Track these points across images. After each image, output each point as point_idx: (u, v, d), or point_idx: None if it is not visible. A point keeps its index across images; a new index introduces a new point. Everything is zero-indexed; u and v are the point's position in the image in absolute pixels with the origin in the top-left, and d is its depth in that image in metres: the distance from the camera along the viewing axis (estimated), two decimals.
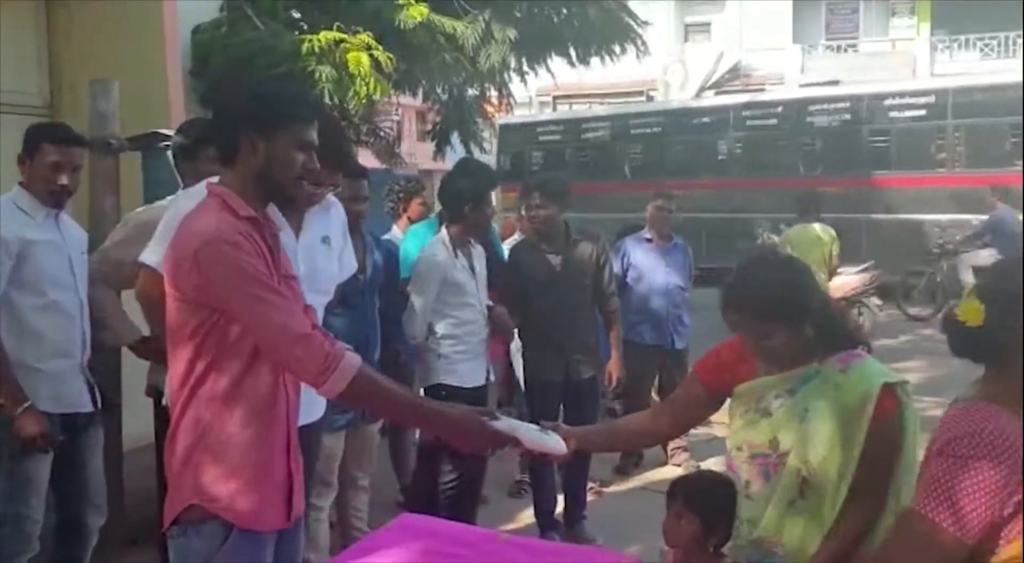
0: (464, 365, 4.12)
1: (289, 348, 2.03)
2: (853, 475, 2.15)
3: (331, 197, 3.22)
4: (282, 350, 2.04)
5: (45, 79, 5.49)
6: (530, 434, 2.34)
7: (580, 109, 24.31)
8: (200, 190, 2.73)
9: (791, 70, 24.72)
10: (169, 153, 3.69)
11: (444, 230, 4.25)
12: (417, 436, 4.63)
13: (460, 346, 4.12)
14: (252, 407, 2.12)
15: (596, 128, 18.29)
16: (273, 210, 2.57)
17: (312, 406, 2.78)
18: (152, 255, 2.83)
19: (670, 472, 5.72)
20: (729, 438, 2.39)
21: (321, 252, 3.02)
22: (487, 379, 4.26)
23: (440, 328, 4.11)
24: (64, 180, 3.24)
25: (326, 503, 3.76)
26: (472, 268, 4.21)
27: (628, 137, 17.52)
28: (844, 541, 2.18)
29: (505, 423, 2.32)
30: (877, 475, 2.18)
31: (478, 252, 4.30)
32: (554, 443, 2.39)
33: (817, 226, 8.51)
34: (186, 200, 2.74)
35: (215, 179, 2.24)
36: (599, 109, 21.03)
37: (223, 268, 2.01)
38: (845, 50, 25.22)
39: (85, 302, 3.38)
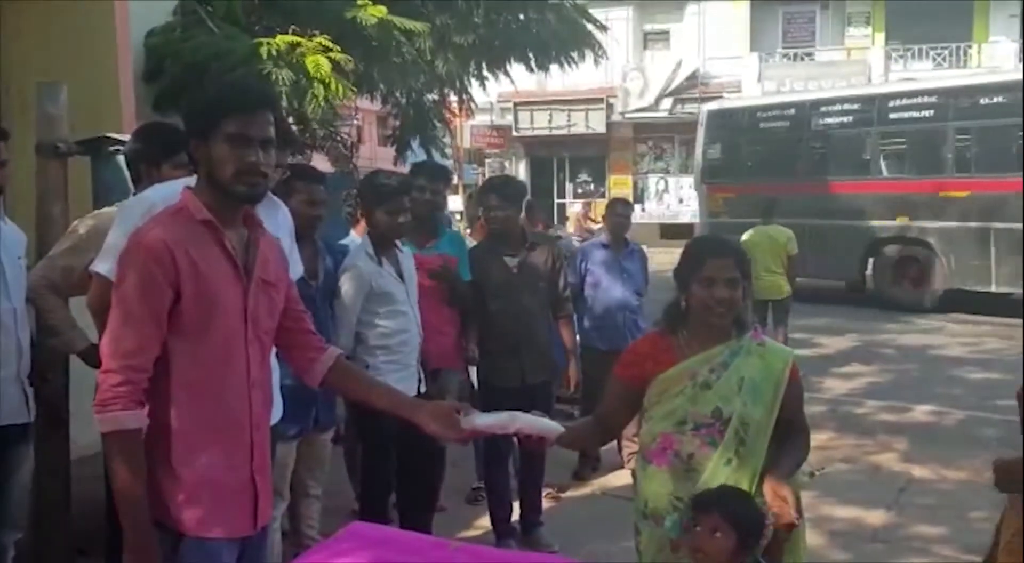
0: (392, 376, 3.85)
1: (103, 361, 2.06)
2: (777, 423, 2.58)
3: (277, 199, 3.20)
4: (103, 358, 2.07)
5: None
6: (525, 417, 2.44)
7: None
8: (144, 196, 2.71)
9: (748, 78, 25.01)
10: (120, 158, 3.64)
11: (366, 238, 4.13)
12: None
13: (391, 356, 3.98)
14: (199, 410, 2.11)
15: (838, 112, 14.77)
16: (270, 213, 2.71)
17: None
18: (103, 263, 2.77)
19: (626, 476, 5.76)
20: (665, 418, 2.61)
21: None
22: (418, 390, 4.04)
23: (370, 338, 3.97)
24: (3, 176, 3.18)
25: (278, 512, 3.72)
26: (400, 274, 4.08)
27: (886, 123, 14.05)
28: (801, 453, 2.67)
29: (490, 415, 2.40)
30: (802, 416, 2.72)
31: (406, 257, 4.16)
32: (549, 424, 2.50)
33: (771, 228, 9.21)
34: (136, 206, 2.71)
35: (179, 182, 2.28)
36: (844, 90, 16.89)
37: (128, 270, 2.07)
38: (802, 58, 25.55)
39: (21, 310, 3.29)
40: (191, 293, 2.07)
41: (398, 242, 4.10)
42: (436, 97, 9.48)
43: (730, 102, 17.88)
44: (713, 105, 17.00)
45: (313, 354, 2.42)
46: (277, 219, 3.09)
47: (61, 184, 3.86)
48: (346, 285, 3.97)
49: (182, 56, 5.50)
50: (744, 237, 8.90)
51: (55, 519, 3.97)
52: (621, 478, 5.71)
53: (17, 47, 5.35)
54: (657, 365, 2.63)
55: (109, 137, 3.99)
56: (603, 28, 8.82)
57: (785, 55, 25.64)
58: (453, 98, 9.82)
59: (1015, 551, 2.55)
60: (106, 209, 3.51)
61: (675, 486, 2.57)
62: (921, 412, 7.45)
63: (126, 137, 3.78)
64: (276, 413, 2.95)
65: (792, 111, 15.42)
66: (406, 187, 4.11)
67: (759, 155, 15.60)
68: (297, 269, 3.25)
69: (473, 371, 4.84)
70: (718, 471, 2.53)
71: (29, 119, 4.22)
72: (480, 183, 28.11)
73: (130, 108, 5.15)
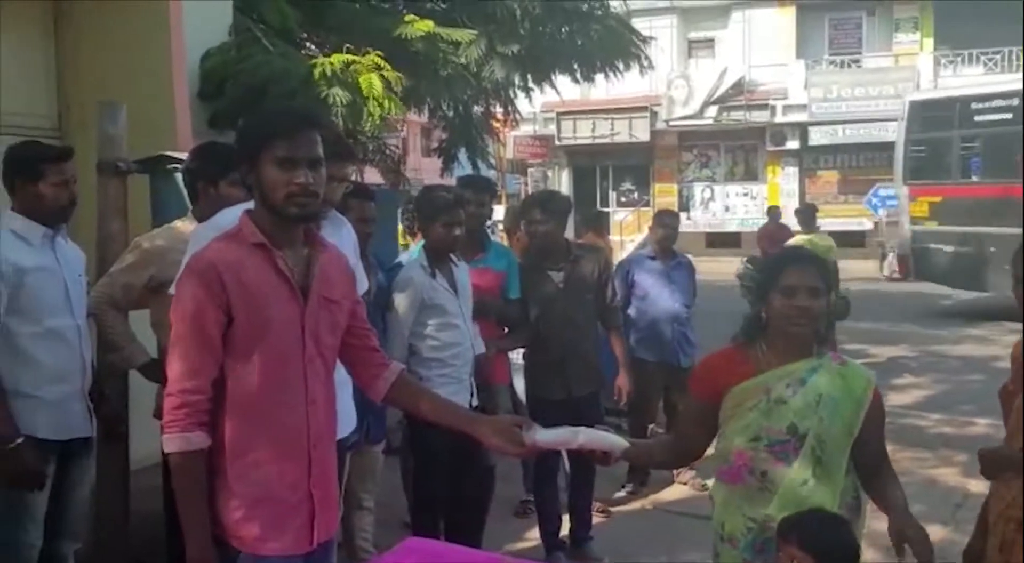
0: (445, 389, 3.83)
1: (168, 382, 2.14)
2: (858, 451, 2.53)
3: (341, 216, 3.25)
4: (168, 380, 2.15)
5: (53, 101, 5.51)
6: (589, 433, 2.45)
7: None
8: (215, 221, 2.77)
9: (795, 85, 24.79)
10: (178, 176, 3.72)
11: (421, 249, 4.16)
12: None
13: (443, 369, 3.99)
14: (254, 427, 2.16)
15: None
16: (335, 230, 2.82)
17: (342, 423, 2.77)
18: None
19: (676, 491, 5.73)
20: (739, 433, 2.53)
21: None
22: (469, 405, 4.02)
23: (423, 351, 4.00)
24: (74, 193, 3.27)
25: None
26: (454, 287, 4.09)
27: None
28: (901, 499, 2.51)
29: (553, 430, 2.40)
30: (881, 447, 2.62)
31: (462, 270, 4.18)
32: (614, 439, 2.51)
33: (814, 236, 9.16)
34: (207, 230, 2.75)
35: (245, 206, 2.33)
36: None
37: (181, 293, 2.15)
38: (848, 65, 25.27)
39: (83, 326, 3.35)
40: (243, 315, 2.12)
41: (453, 256, 4.13)
42: (482, 109, 9.55)
43: (938, 91, 15.91)
44: (918, 95, 15.18)
45: (376, 370, 2.45)
46: (342, 235, 3.13)
47: (121, 202, 3.96)
48: (399, 297, 4.01)
49: (240, 78, 5.59)
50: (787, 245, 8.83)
51: (114, 530, 4.06)
52: (673, 492, 5.68)
53: (76, 68, 5.47)
54: (731, 377, 2.56)
55: (167, 156, 4.08)
56: (647, 40, 8.80)
57: (832, 62, 25.39)
58: (498, 109, 9.89)
59: (998, 533, 2.57)
60: (164, 226, 3.60)
61: (749, 506, 2.51)
62: (983, 425, 7.28)
63: (183, 155, 3.86)
64: (347, 426, 2.99)
65: (1016, 101, 12.71)
66: (461, 201, 4.13)
67: (974, 152, 13.36)
68: (363, 284, 3.26)
69: (520, 385, 4.86)
70: (794, 490, 2.45)
71: (89, 138, 4.34)
72: (522, 193, 28.29)
73: (186, 126, 5.24)
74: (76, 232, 3.48)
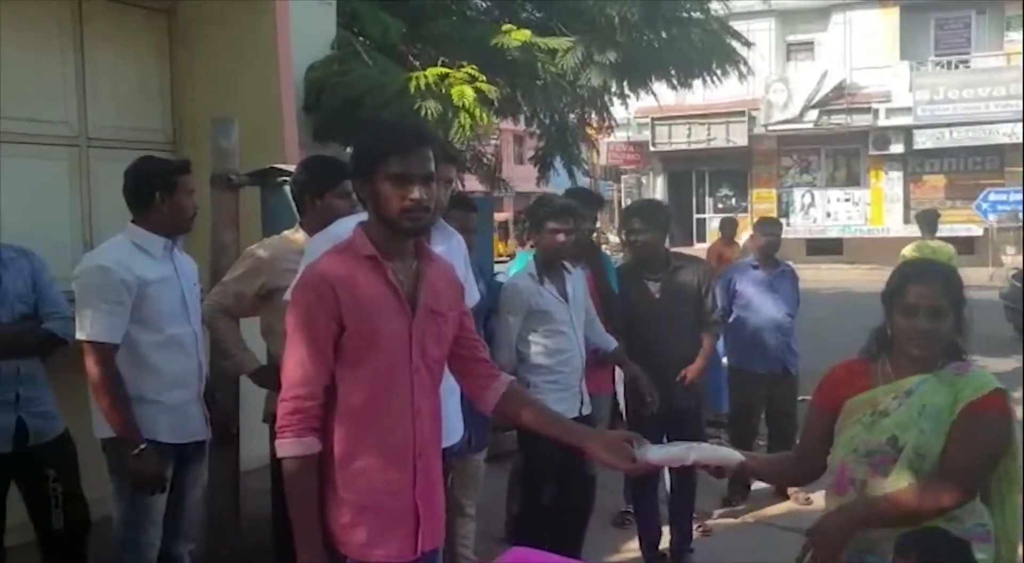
0: (554, 395, 3.93)
1: (283, 392, 2.18)
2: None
3: (450, 227, 3.28)
4: (281, 392, 2.19)
5: (168, 115, 5.73)
6: (702, 449, 2.43)
7: None
8: (330, 231, 2.84)
9: (899, 88, 24.03)
10: (287, 188, 3.82)
11: (531, 257, 4.22)
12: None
13: (552, 375, 4.03)
14: (362, 436, 2.19)
15: None
16: (444, 240, 2.89)
17: (448, 431, 2.79)
18: None
19: (780, 505, 5.59)
20: (844, 446, 2.49)
21: None
22: (579, 413, 4.08)
23: (530, 357, 4.04)
24: (196, 203, 3.40)
25: None
26: (564, 294, 4.12)
27: None
28: (891, 505, 2.33)
29: (665, 447, 2.39)
30: (962, 461, 2.33)
31: (575, 277, 4.22)
32: (728, 453, 2.49)
33: (935, 243, 8.68)
34: (322, 241, 2.81)
35: (358, 218, 2.39)
36: None
37: (295, 305, 2.21)
38: (956, 66, 24.37)
39: (199, 333, 3.48)
40: (353, 326, 2.16)
41: (566, 263, 4.16)
42: (577, 116, 9.53)
43: None
44: None
45: (485, 381, 2.46)
46: (451, 245, 3.17)
47: (233, 213, 4.10)
48: (505, 304, 4.07)
49: (338, 90, 5.72)
50: (904, 252, 8.50)
51: (225, 531, 4.19)
52: (776, 506, 5.55)
53: (190, 84, 5.68)
54: (850, 390, 2.51)
55: (277, 168, 4.20)
56: (748, 44, 8.64)
57: (938, 63, 24.53)
58: (594, 117, 9.86)
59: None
60: (274, 237, 3.70)
61: None
62: None
63: (291, 168, 3.97)
64: (454, 435, 3.03)
65: None
66: (571, 209, 4.16)
67: None
68: (473, 296, 3.28)
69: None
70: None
71: (201, 151, 4.49)
72: (615, 200, 28.12)
73: (293, 139, 5.38)
74: (189, 243, 3.62)
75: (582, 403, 4.13)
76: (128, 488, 3.26)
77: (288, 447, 2.14)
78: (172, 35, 5.71)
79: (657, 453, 2.34)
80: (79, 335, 3.19)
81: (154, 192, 3.33)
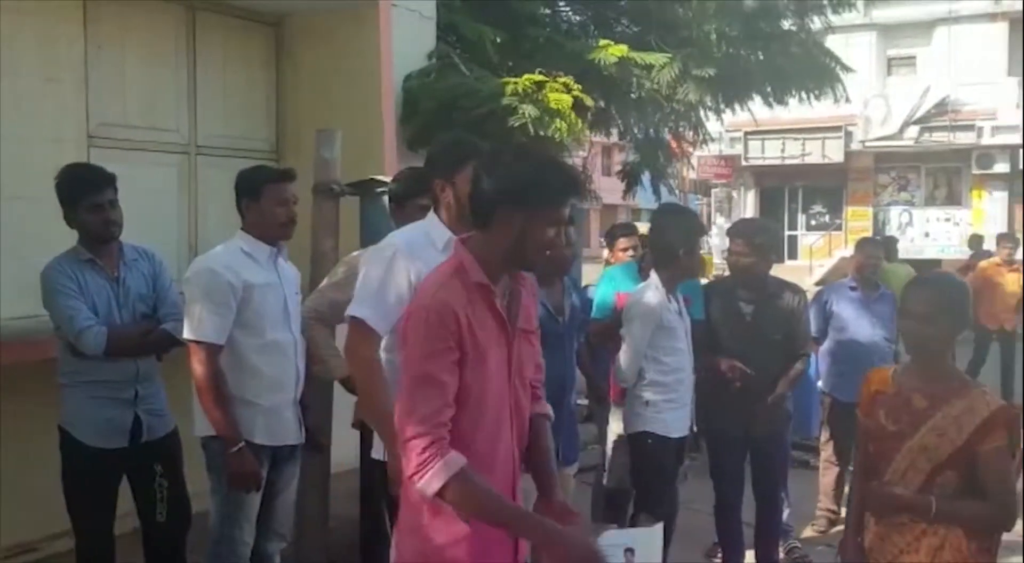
0: (670, 414, 4.03)
1: (403, 430, 2.08)
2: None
3: None
4: (401, 428, 2.09)
5: (272, 126, 5.91)
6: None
7: None
8: (388, 242, 2.88)
9: (1006, 104, 23.16)
10: (385, 199, 3.91)
11: (654, 274, 4.18)
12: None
13: (668, 394, 4.05)
14: (472, 458, 2.13)
15: None
16: None
17: None
18: (360, 308, 2.80)
19: None
20: None
21: None
22: (691, 429, 4.17)
23: (649, 374, 4.05)
24: (293, 212, 3.49)
25: None
26: (681, 313, 4.15)
27: None
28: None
29: (611, 537, 2.28)
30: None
31: (682, 298, 4.23)
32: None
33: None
34: (382, 252, 2.86)
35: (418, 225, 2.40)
36: None
37: (414, 334, 2.11)
38: None
39: (299, 339, 3.58)
40: (470, 353, 2.12)
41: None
42: (671, 130, 9.46)
43: None
44: None
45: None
46: None
47: (333, 222, 4.21)
48: (637, 318, 4.07)
49: (435, 95, 5.81)
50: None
51: (313, 533, 4.29)
52: None
53: (294, 95, 5.86)
54: None
55: (376, 179, 4.29)
56: (847, 70, 8.45)
57: None
58: (688, 131, 9.77)
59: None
60: (371, 247, 3.77)
61: None
62: None
63: (389, 179, 4.05)
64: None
65: None
66: (702, 230, 4.30)
67: None
68: None
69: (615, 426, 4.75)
70: None
71: (303, 161, 4.62)
72: (703, 214, 27.71)
73: (391, 150, 5.48)
74: (291, 251, 3.71)
75: (692, 422, 4.21)
76: (224, 486, 3.38)
77: (438, 475, 2.01)
78: (279, 48, 5.89)
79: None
80: (186, 334, 3.33)
81: (241, 200, 3.47)
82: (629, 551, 2.27)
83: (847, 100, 8.66)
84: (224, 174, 3.66)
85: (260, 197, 3.45)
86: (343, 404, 4.02)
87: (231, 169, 3.63)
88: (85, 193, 3.41)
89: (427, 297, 2.14)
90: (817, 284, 7.13)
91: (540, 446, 2.42)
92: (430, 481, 2.02)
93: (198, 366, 3.29)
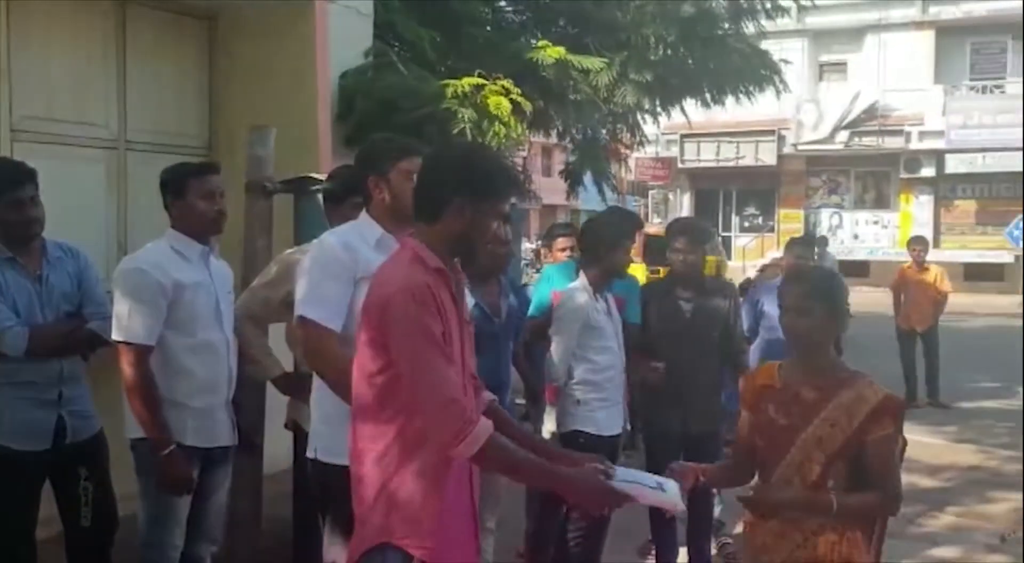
0: (602, 413, 4.06)
1: (434, 410, 2.10)
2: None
3: None
4: (428, 411, 2.11)
5: (205, 122, 5.80)
6: (644, 492, 2.39)
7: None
8: (326, 241, 2.85)
9: (932, 111, 23.87)
10: (320, 196, 3.86)
11: (582, 274, 4.22)
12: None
13: (599, 393, 4.07)
14: (430, 455, 2.16)
15: None
16: None
17: None
18: (312, 308, 2.80)
19: None
20: None
21: None
22: (624, 427, 4.21)
23: (579, 373, 4.08)
24: (221, 205, 3.42)
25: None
26: (609, 312, 4.17)
27: None
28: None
29: (622, 478, 2.36)
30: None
31: (611, 298, 4.26)
32: (668, 498, 2.45)
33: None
34: (323, 252, 2.85)
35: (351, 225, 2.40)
36: None
37: (404, 321, 2.10)
38: (991, 90, 24.18)
39: (231, 339, 3.52)
40: (447, 334, 2.16)
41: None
42: (609, 132, 9.56)
43: None
44: None
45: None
46: None
47: (267, 220, 4.15)
48: (564, 317, 4.10)
49: (373, 94, 5.78)
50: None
51: (245, 535, 4.22)
52: None
53: (227, 91, 5.76)
54: None
55: (310, 177, 4.24)
56: (784, 62, 8.67)
57: (972, 87, 24.36)
58: (625, 133, 9.89)
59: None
60: (304, 245, 3.73)
61: None
62: None
63: (324, 176, 4.01)
64: None
65: None
66: (637, 226, 4.34)
67: None
68: None
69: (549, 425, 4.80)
70: None
71: (237, 158, 4.55)
72: (641, 215, 28.01)
73: (327, 148, 5.43)
74: (223, 250, 3.65)
75: (625, 419, 4.25)
76: (154, 489, 3.30)
77: (478, 438, 2.09)
78: (213, 43, 5.79)
79: (628, 484, 2.33)
80: (115, 336, 3.24)
81: (167, 198, 3.40)
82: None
83: (787, 89, 8.85)
84: (154, 170, 3.56)
85: (185, 193, 3.37)
86: (275, 405, 3.97)
87: (162, 165, 3.54)
88: (4, 189, 3.31)
89: (400, 281, 2.14)
90: (742, 285, 7.23)
91: (515, 428, 2.50)
92: (470, 444, 2.10)
93: (127, 368, 3.21)
